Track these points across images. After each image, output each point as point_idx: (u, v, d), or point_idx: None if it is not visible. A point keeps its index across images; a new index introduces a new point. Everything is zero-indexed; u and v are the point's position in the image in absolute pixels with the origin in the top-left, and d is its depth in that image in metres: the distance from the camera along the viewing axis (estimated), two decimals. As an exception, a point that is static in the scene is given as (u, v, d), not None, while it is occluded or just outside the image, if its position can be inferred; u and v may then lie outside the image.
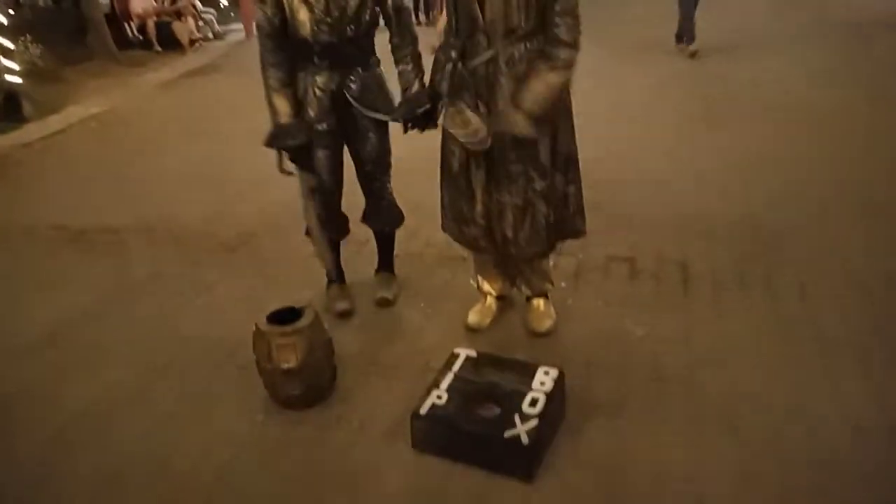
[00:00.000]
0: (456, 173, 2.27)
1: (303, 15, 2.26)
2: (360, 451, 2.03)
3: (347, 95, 2.39)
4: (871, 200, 3.43)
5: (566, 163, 2.22)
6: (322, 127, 2.43)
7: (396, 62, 2.43)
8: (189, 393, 2.35)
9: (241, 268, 3.21)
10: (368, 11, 2.32)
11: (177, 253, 3.42)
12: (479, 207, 2.25)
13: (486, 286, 2.59)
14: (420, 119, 2.33)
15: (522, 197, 2.17)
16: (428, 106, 2.31)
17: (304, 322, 2.17)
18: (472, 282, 2.69)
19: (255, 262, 3.25)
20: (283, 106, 2.37)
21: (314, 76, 2.37)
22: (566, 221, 2.31)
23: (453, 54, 2.13)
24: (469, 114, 2.03)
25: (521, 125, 2.03)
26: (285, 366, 2.11)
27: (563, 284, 2.78)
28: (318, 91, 2.38)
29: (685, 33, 6.78)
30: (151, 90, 7.64)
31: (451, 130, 2.08)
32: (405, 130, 2.39)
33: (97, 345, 2.67)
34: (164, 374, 2.47)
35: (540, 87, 2.01)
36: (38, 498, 1.93)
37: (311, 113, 2.40)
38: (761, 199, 3.54)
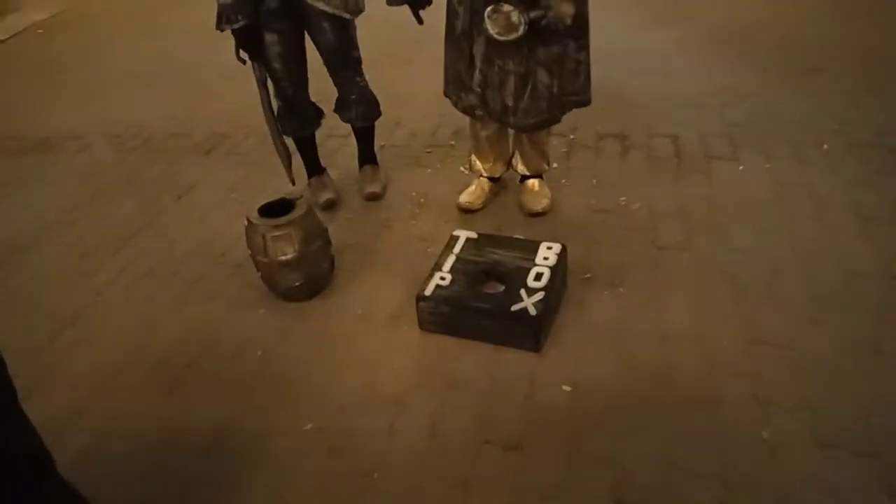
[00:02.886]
0: (458, 36, 2.16)
1: None
2: (366, 335, 2.02)
3: None
4: (864, 55, 3.41)
5: (579, 28, 2.09)
6: (266, 7, 2.22)
7: None
8: (184, 292, 2.30)
9: (218, 168, 3.08)
10: None
11: (148, 157, 3.26)
12: (476, 75, 2.16)
13: (478, 165, 2.53)
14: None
15: (525, 65, 2.08)
16: None
17: (297, 213, 2.10)
18: (462, 168, 2.61)
19: (232, 162, 3.13)
20: None
21: None
22: (577, 90, 2.21)
23: None
24: (515, 16, 1.92)
25: (568, 13, 1.95)
26: (282, 258, 2.06)
27: (554, 165, 2.72)
28: None
29: None
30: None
31: (492, 30, 1.96)
32: (417, 19, 2.22)
33: (79, 248, 2.59)
34: (154, 275, 2.40)
35: None
36: (32, 401, 1.91)
37: None
38: (751, 67, 3.48)
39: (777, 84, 3.30)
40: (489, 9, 1.96)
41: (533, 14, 1.94)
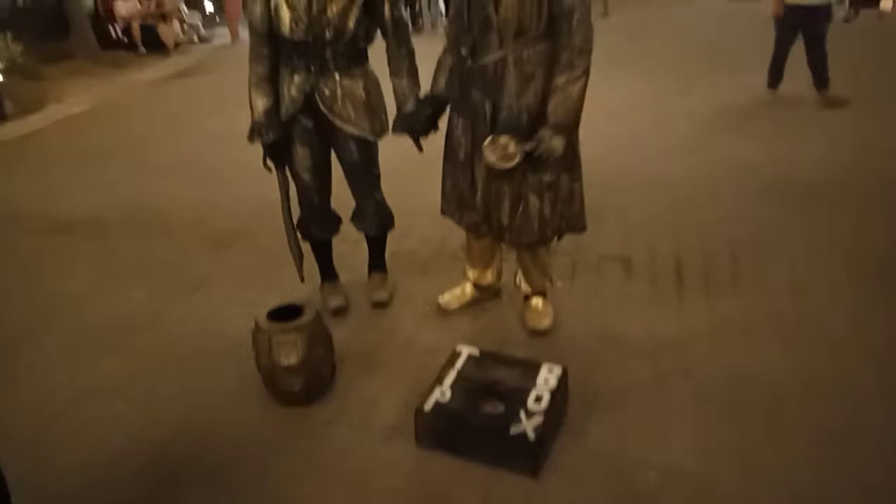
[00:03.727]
0: (462, 163, 2.33)
1: (284, 12, 2.24)
2: (362, 448, 2.00)
3: (319, 103, 2.35)
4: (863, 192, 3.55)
5: (572, 160, 2.27)
6: (300, 124, 2.41)
7: (391, 74, 2.42)
8: (185, 385, 2.31)
9: (234, 263, 3.17)
10: (355, 18, 2.27)
11: (167, 246, 3.37)
12: (479, 195, 2.32)
13: (468, 272, 2.67)
14: (424, 130, 2.37)
15: (517, 188, 2.24)
16: (429, 112, 2.35)
17: (305, 318, 2.14)
18: (464, 276, 2.71)
19: (249, 258, 3.22)
20: (258, 102, 2.37)
21: (292, 75, 2.35)
22: (572, 217, 2.37)
23: (464, 51, 2.19)
24: (512, 147, 2.10)
25: (559, 147, 2.11)
26: (285, 363, 2.08)
27: (559, 284, 2.79)
28: (293, 90, 2.35)
29: (819, 81, 5.31)
30: (135, 90, 7.56)
31: (489, 159, 2.13)
32: (418, 147, 2.41)
33: (87, 332, 2.63)
34: (157, 365, 2.43)
35: (567, 101, 2.08)
36: (24, 493, 1.87)
37: (284, 110, 2.38)
38: (752, 194, 3.62)
39: (779, 212, 3.40)
40: (488, 140, 2.14)
41: (527, 146, 2.11)
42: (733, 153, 4.29)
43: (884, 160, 4.05)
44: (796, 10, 5.14)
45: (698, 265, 2.95)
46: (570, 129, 2.13)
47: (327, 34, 2.26)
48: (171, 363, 2.43)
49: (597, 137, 4.35)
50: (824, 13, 5.15)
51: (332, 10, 2.23)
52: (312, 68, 2.32)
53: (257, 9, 2.29)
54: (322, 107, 2.36)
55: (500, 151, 2.11)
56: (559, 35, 2.05)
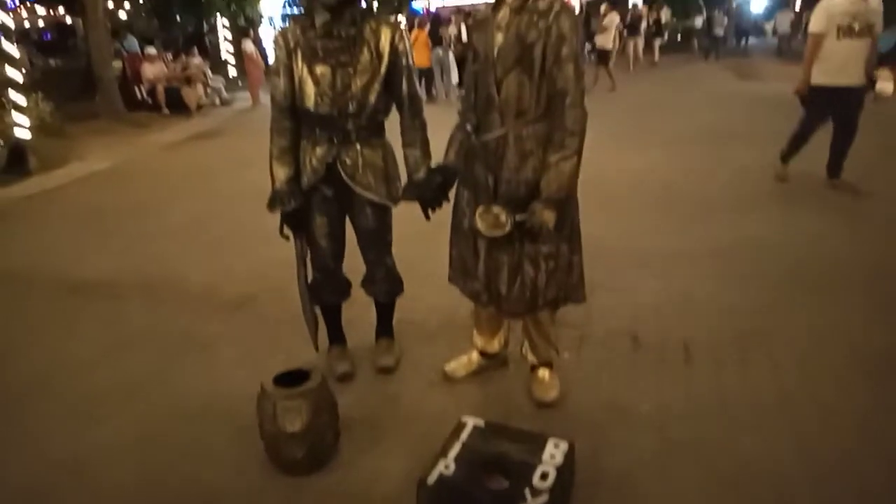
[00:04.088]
0: (465, 232, 2.40)
1: (309, 87, 2.35)
2: (362, 520, 1.96)
3: (341, 171, 2.44)
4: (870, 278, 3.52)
5: (571, 233, 2.34)
6: (320, 193, 2.49)
7: (404, 145, 2.52)
8: (185, 451, 2.28)
9: (242, 327, 3.19)
10: (376, 94, 2.38)
11: (176, 309, 3.40)
12: (481, 265, 2.37)
13: (476, 339, 2.69)
14: (434, 197, 2.44)
15: (516, 258, 2.30)
16: (440, 180, 2.43)
17: (311, 384, 2.14)
18: (472, 343, 2.72)
19: (256, 322, 3.24)
20: (280, 172, 2.45)
21: (314, 146, 2.44)
22: (570, 288, 2.41)
23: (469, 127, 2.31)
24: (503, 217, 2.18)
25: (550, 220, 2.18)
26: (289, 429, 2.07)
27: (566, 355, 2.78)
28: (314, 161, 2.44)
29: (837, 169, 5.07)
30: (156, 150, 7.79)
31: (480, 226, 2.21)
32: (426, 215, 2.47)
33: (91, 395, 2.62)
34: (159, 428, 2.41)
35: (559, 177, 2.16)
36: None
37: (305, 180, 2.46)
38: (762, 274, 3.61)
39: (791, 293, 3.38)
40: (481, 208, 2.22)
41: (519, 217, 2.18)
42: (742, 231, 4.30)
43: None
44: (829, 92, 4.74)
45: (706, 342, 2.94)
46: (561, 204, 2.19)
47: (350, 108, 2.36)
48: (174, 429, 2.41)
49: (607, 210, 4.44)
50: (858, 95, 4.74)
51: (356, 85, 2.35)
52: (335, 140, 2.41)
53: (281, 83, 2.40)
54: (344, 175, 2.44)
55: (491, 220, 2.20)
56: (553, 116, 2.15)
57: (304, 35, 2.34)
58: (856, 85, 4.71)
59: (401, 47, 2.38)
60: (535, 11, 2.11)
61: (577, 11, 14.37)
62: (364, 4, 2.42)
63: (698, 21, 20.59)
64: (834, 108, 4.82)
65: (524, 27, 2.11)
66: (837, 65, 4.65)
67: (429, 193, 2.43)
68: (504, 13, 2.17)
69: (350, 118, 2.38)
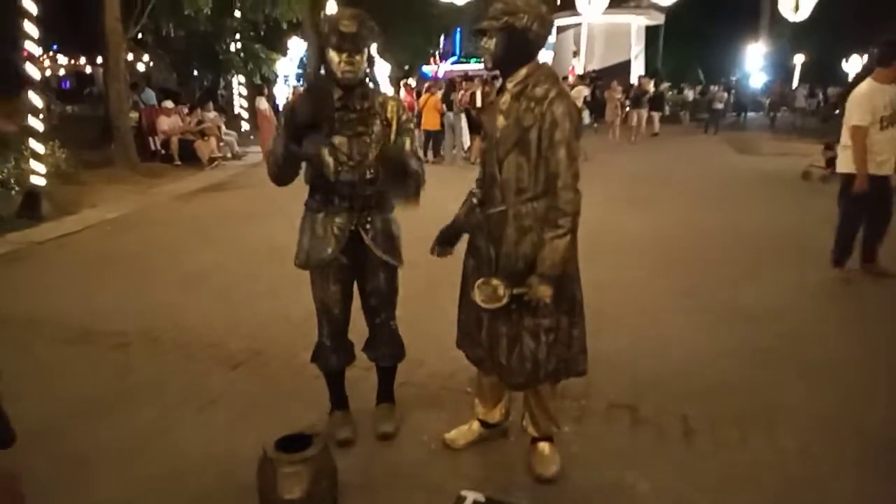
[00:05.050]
0: (470, 301, 2.45)
1: (327, 158, 2.46)
2: (357, 593, 1.94)
3: (365, 236, 2.54)
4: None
5: (571, 307, 2.40)
6: (337, 263, 2.57)
7: None
8: (182, 514, 2.27)
9: (245, 384, 3.21)
10: None
11: (181, 362, 3.42)
12: (484, 333, 2.44)
13: (478, 407, 2.71)
14: (443, 242, 2.56)
15: (515, 330, 2.36)
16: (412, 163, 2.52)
17: (313, 450, 2.15)
18: (473, 410, 2.73)
19: (259, 380, 3.26)
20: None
21: (334, 216, 2.53)
22: (570, 361, 2.45)
23: (475, 200, 2.47)
24: (501, 290, 2.26)
25: (546, 293, 2.25)
26: (288, 496, 2.07)
27: (566, 429, 2.79)
28: (335, 230, 2.53)
29: (869, 254, 4.97)
30: (168, 200, 7.94)
31: (477, 299, 2.29)
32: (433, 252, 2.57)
33: (91, 448, 2.62)
34: (156, 486, 2.41)
35: (552, 254, 2.26)
36: None
37: (329, 251, 2.53)
38: (760, 355, 3.62)
39: (791, 377, 3.37)
40: (480, 280, 2.30)
41: (516, 290, 2.26)
42: (738, 307, 4.34)
43: None
44: (877, 181, 4.60)
45: (706, 418, 2.95)
46: (555, 279, 2.26)
47: (368, 174, 2.48)
48: (172, 488, 2.40)
49: (611, 287, 4.48)
50: (892, 180, 4.72)
51: (373, 153, 2.47)
52: (354, 207, 2.51)
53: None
54: (366, 239, 2.54)
55: (489, 292, 2.27)
56: (549, 195, 2.26)
57: (321, 108, 2.46)
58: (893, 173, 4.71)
59: (404, 117, 2.56)
60: (532, 98, 2.25)
61: (585, 96, 15.03)
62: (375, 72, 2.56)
63: (690, 94, 21.37)
64: (873, 196, 4.67)
65: (522, 112, 2.25)
66: (883, 155, 4.63)
67: (395, 152, 2.47)
68: (506, 98, 2.33)
69: (368, 184, 2.49)
